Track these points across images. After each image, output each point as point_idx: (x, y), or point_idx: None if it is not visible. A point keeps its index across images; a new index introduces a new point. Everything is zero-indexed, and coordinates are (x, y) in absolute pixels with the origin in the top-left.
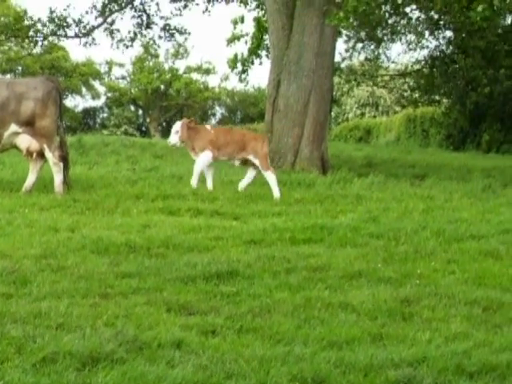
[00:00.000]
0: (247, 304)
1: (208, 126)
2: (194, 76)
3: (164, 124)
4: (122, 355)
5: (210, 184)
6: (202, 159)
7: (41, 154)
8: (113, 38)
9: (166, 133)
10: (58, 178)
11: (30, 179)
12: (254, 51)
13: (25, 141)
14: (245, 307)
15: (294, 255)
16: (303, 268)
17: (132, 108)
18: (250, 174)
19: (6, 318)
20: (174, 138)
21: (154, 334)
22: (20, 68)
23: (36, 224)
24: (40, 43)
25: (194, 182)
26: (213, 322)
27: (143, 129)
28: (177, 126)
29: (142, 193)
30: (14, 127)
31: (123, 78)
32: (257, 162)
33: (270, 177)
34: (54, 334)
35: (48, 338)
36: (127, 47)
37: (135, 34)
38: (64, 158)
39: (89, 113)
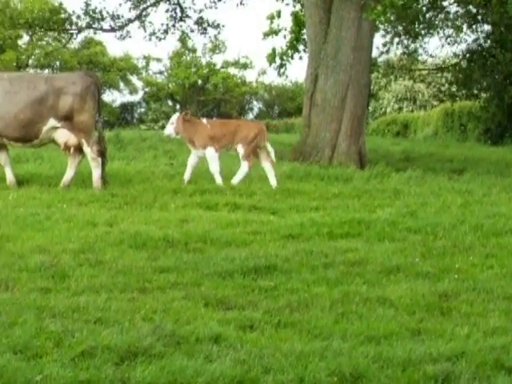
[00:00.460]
0: (285, 298)
1: (204, 120)
2: (232, 70)
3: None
4: (160, 350)
5: (188, 175)
6: (211, 157)
7: (79, 149)
8: (145, 30)
9: None
10: (96, 173)
11: (68, 174)
12: (292, 46)
13: (63, 135)
14: (283, 302)
15: (331, 250)
16: (341, 263)
17: (169, 103)
18: (267, 167)
19: (44, 312)
20: (168, 129)
21: (192, 329)
22: (58, 63)
23: (74, 219)
24: (75, 36)
25: (218, 181)
26: (251, 317)
27: None
28: (173, 118)
29: (180, 187)
30: (52, 122)
31: (161, 72)
32: (240, 150)
33: (243, 167)
34: (93, 328)
35: (86, 333)
36: (159, 39)
37: (168, 26)
38: (102, 153)
39: (126, 108)
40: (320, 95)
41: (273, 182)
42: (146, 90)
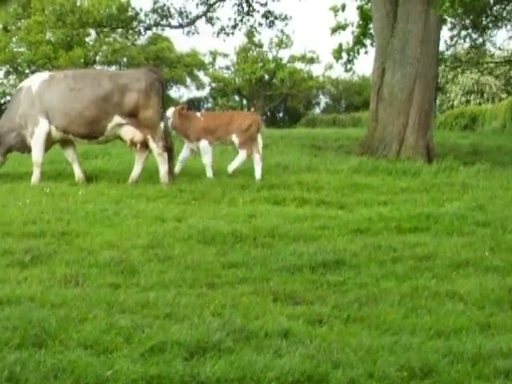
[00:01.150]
0: (354, 293)
1: (198, 114)
2: (298, 65)
3: (268, 113)
4: (229, 345)
5: (178, 169)
6: (204, 150)
7: (144, 145)
8: (213, 26)
9: (270, 122)
10: (163, 169)
11: (136, 170)
12: (358, 40)
13: (128, 132)
14: (351, 296)
15: (400, 244)
16: (410, 257)
17: (236, 98)
18: (256, 159)
19: (114, 307)
20: None
21: (261, 324)
22: (125, 59)
23: (143, 214)
24: (143, 33)
25: (209, 174)
26: (319, 312)
27: None
28: (169, 112)
29: (248, 183)
30: (117, 119)
31: (227, 68)
32: (236, 139)
33: (241, 154)
34: (162, 323)
35: (156, 328)
36: (228, 35)
37: (236, 21)
38: (168, 149)
39: (193, 103)
40: (387, 89)
41: (258, 174)
42: (213, 85)
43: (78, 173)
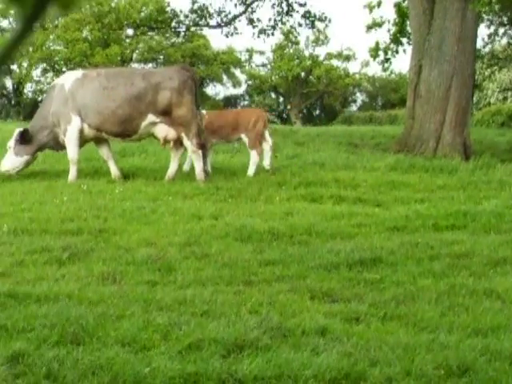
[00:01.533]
0: (391, 291)
1: (204, 112)
2: (335, 62)
3: (305, 111)
4: (266, 342)
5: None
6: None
7: (179, 143)
8: (254, 27)
9: (307, 120)
10: (198, 166)
11: (173, 167)
12: (395, 37)
13: (162, 130)
14: (388, 294)
15: (437, 242)
16: (447, 255)
17: (273, 95)
18: (265, 147)
19: (151, 305)
20: None
21: (298, 322)
22: (162, 57)
23: (180, 212)
24: (182, 34)
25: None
26: (356, 310)
27: (284, 116)
28: None
29: (285, 180)
30: (151, 117)
31: (264, 65)
32: (246, 139)
33: (253, 156)
34: (199, 321)
35: (193, 325)
36: (268, 36)
37: (275, 22)
38: (203, 146)
39: (230, 101)
40: (424, 86)
41: (266, 163)
42: (249, 82)
43: (114, 170)
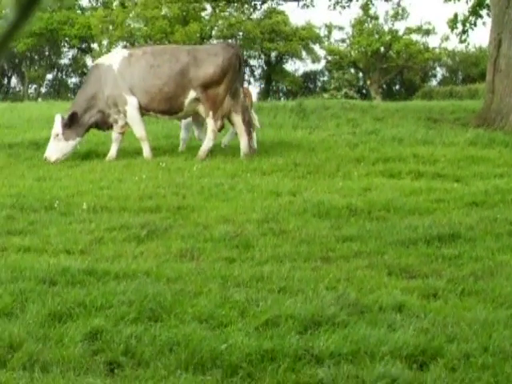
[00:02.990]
0: (469, 267)
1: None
2: (414, 37)
3: (384, 86)
4: (343, 318)
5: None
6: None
7: (241, 118)
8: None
9: (386, 95)
10: (206, 146)
11: (243, 143)
12: (474, 10)
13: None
14: (467, 270)
15: None
16: None
17: (352, 71)
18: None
19: (229, 281)
20: None
21: (376, 298)
22: (241, 33)
23: (258, 188)
24: (259, 7)
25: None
26: (434, 285)
27: (363, 91)
28: None
29: (363, 156)
30: (193, 93)
31: (343, 41)
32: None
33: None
34: (276, 297)
35: (270, 302)
36: (344, 8)
37: None
38: (248, 124)
39: (309, 77)
40: (504, 60)
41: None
42: (329, 58)
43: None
